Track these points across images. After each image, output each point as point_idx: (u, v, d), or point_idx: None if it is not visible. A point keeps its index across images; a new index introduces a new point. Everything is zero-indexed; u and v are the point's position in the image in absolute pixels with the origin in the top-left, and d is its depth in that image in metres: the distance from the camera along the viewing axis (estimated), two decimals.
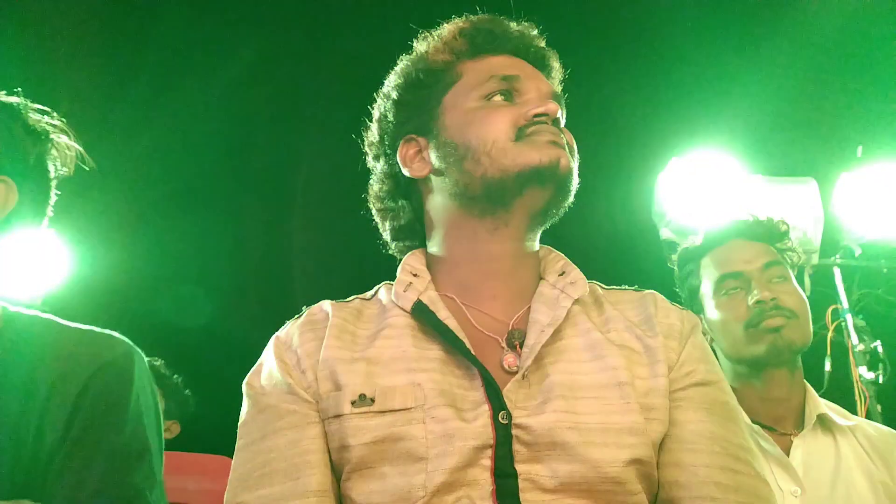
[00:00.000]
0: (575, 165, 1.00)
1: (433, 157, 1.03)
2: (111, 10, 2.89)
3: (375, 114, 1.12)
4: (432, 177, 1.04)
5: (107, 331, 1.14)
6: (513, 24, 1.08)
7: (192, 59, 2.99)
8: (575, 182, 1.00)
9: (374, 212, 1.15)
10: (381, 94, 1.12)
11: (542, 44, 1.10)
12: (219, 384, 2.66)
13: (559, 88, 1.11)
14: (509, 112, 0.98)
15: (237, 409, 0.96)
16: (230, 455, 0.93)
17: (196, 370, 2.68)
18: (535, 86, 1.02)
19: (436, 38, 1.09)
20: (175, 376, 2.53)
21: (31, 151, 1.16)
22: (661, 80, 2.99)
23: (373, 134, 1.13)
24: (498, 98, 1.01)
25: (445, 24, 1.10)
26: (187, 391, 2.57)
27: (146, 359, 1.15)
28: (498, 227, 0.99)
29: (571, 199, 1.01)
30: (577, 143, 1.12)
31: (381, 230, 1.15)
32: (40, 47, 2.78)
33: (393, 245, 1.13)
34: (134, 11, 2.94)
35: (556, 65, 1.11)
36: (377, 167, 1.13)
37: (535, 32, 1.10)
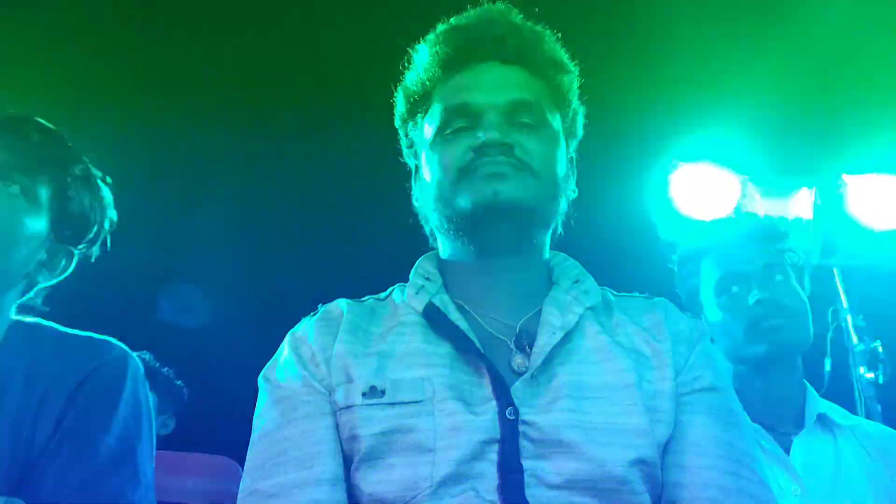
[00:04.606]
0: (530, 187, 0.96)
1: (420, 189, 1.07)
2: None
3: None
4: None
5: (104, 336, 1.17)
6: (484, 20, 1.05)
7: (196, 54, 2.99)
8: (536, 202, 0.97)
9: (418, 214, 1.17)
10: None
11: (515, 33, 1.05)
12: (219, 384, 2.67)
13: (549, 69, 1.06)
14: (458, 149, 0.98)
15: (237, 409, 0.97)
16: (230, 455, 0.95)
17: (196, 370, 2.68)
18: (491, 103, 0.99)
19: (414, 61, 1.09)
20: (165, 369, 2.51)
21: (95, 222, 1.22)
22: (661, 80, 2.99)
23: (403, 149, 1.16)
24: (456, 126, 1.00)
25: (425, 40, 1.09)
26: (179, 382, 2.56)
27: (134, 353, 1.18)
28: (481, 252, 1.01)
29: (549, 214, 1.00)
30: (577, 144, 1.13)
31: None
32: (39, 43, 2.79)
33: (435, 245, 1.15)
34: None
35: (539, 47, 1.06)
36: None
37: (509, 20, 1.06)
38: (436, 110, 1.04)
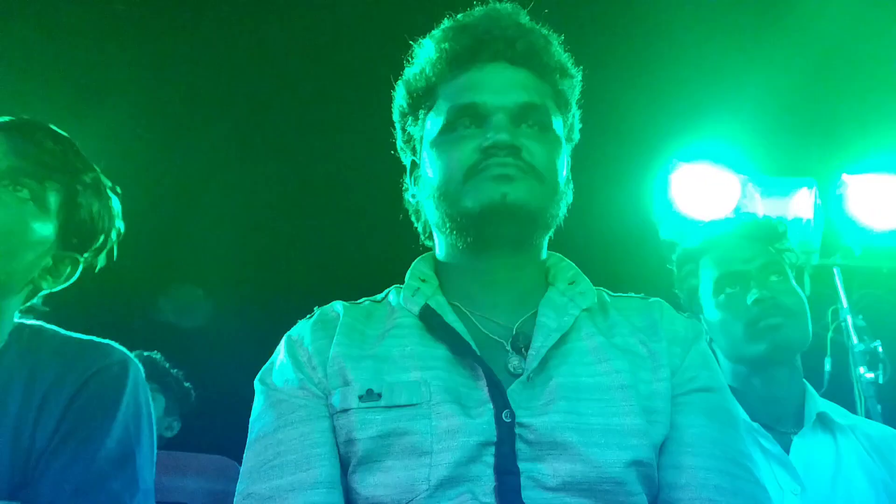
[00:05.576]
0: (536, 191, 0.97)
1: (419, 186, 1.07)
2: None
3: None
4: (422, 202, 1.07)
5: (106, 340, 1.17)
6: (493, 19, 1.05)
7: (196, 54, 3.00)
8: (541, 205, 0.98)
9: (409, 211, 1.17)
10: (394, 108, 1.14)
11: (524, 35, 1.04)
12: (219, 384, 2.67)
13: (554, 74, 1.06)
14: (465, 148, 0.98)
15: (236, 409, 0.97)
16: (230, 455, 0.95)
17: (196, 370, 2.68)
18: (499, 104, 0.99)
19: (418, 55, 1.08)
20: (175, 370, 2.51)
21: (103, 231, 1.22)
22: (661, 79, 2.99)
23: (398, 143, 1.15)
24: (463, 126, 1.00)
25: (430, 35, 1.08)
26: (187, 384, 2.55)
27: (145, 353, 1.18)
28: (480, 251, 1.01)
29: (551, 218, 1.01)
30: (577, 144, 1.13)
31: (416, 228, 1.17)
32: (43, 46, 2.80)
33: (428, 244, 1.15)
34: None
35: (547, 51, 1.06)
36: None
37: (518, 21, 1.05)
38: (441, 107, 1.03)
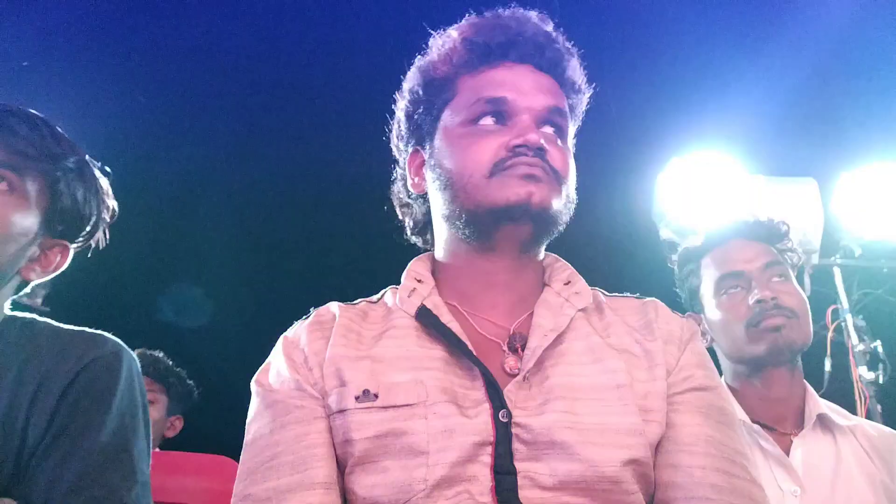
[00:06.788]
0: (557, 195, 0.97)
1: (427, 177, 1.06)
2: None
3: (397, 113, 1.14)
4: (429, 194, 1.07)
5: (98, 331, 1.15)
6: (523, 22, 1.05)
7: (196, 54, 2.99)
8: (558, 210, 0.98)
9: (395, 205, 1.17)
10: (399, 95, 1.13)
11: (552, 44, 1.05)
12: (219, 384, 2.66)
13: (572, 88, 1.08)
14: (490, 143, 0.98)
15: (237, 409, 0.96)
16: (230, 455, 0.95)
17: (196, 370, 2.67)
18: (527, 105, 1.00)
19: (441, 44, 1.08)
20: (178, 369, 2.50)
21: (91, 215, 1.19)
22: (661, 79, 2.99)
23: (395, 131, 1.15)
24: (486, 121, 1.00)
25: (454, 27, 1.08)
26: (190, 382, 2.54)
27: (148, 351, 1.16)
28: (487, 250, 1.01)
29: (561, 223, 1.01)
30: (577, 144, 1.13)
31: (403, 223, 1.17)
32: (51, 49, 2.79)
33: (413, 239, 1.15)
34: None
35: (569, 64, 1.07)
36: (399, 163, 1.15)
37: (546, 29, 1.06)
38: (465, 99, 1.02)
